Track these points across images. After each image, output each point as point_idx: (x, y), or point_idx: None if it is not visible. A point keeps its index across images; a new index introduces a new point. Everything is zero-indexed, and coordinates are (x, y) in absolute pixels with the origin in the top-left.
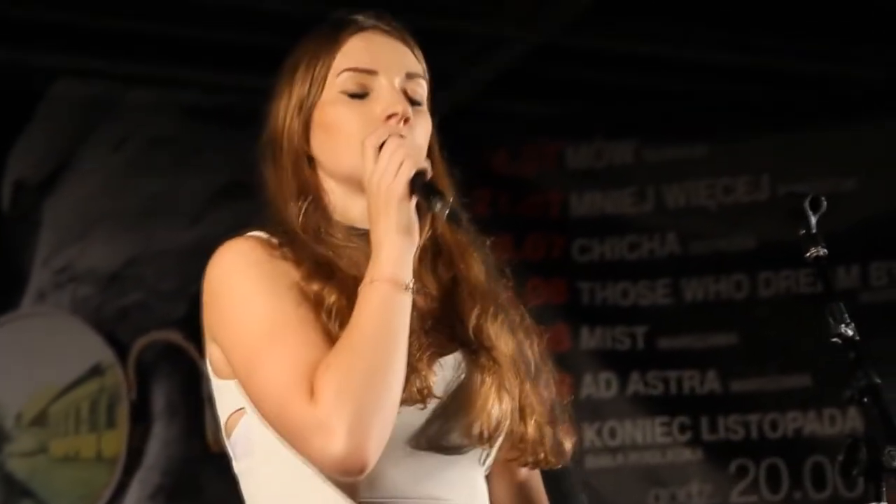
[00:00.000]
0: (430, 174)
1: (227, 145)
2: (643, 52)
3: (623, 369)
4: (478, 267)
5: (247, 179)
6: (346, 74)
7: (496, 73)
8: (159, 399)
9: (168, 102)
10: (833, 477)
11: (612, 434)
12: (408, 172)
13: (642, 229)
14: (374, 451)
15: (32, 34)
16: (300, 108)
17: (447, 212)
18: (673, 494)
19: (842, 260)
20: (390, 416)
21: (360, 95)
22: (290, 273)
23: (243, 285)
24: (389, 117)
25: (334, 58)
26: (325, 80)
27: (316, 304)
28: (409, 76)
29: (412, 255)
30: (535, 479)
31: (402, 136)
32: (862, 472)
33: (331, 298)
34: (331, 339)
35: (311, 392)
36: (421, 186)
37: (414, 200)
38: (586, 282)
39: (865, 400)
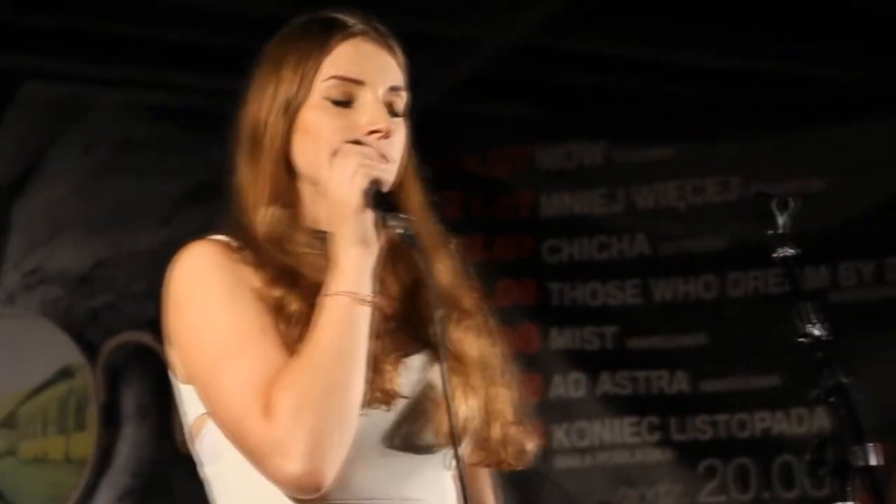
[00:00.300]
0: (385, 185)
1: (196, 147)
2: (613, 54)
3: (592, 369)
4: (444, 268)
5: (216, 181)
6: (332, 81)
7: (467, 74)
8: (129, 401)
9: (137, 105)
10: (801, 476)
11: (582, 434)
12: (361, 183)
13: (612, 230)
14: (330, 470)
15: (0, 37)
16: (286, 108)
17: (403, 233)
18: (642, 494)
19: (811, 260)
20: (348, 432)
21: (343, 104)
22: (251, 279)
23: (203, 293)
24: (372, 132)
25: (323, 61)
26: (311, 83)
27: (276, 311)
28: (393, 89)
29: (370, 266)
30: (484, 476)
31: (358, 143)
32: (829, 471)
33: (292, 306)
34: (291, 349)
35: (268, 410)
36: (374, 199)
37: (369, 211)
38: (556, 282)
39: (832, 399)
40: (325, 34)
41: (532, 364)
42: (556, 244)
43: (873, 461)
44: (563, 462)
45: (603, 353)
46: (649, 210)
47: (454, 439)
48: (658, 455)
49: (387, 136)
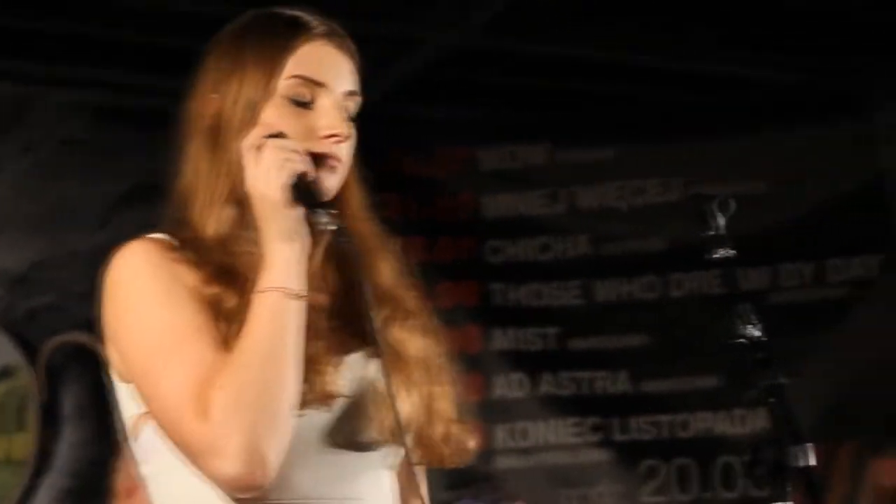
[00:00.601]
0: (311, 177)
1: (139, 147)
2: (556, 55)
3: (534, 370)
4: (386, 269)
5: (158, 181)
6: (294, 81)
7: (409, 75)
8: (68, 401)
9: (79, 104)
10: (742, 477)
11: (524, 435)
12: (285, 178)
13: (554, 231)
14: (270, 469)
15: None
16: (249, 106)
17: (330, 227)
18: (583, 495)
19: (752, 262)
20: (284, 430)
21: (303, 104)
22: (189, 277)
23: (139, 292)
24: (329, 136)
25: (286, 60)
26: (275, 81)
27: (213, 309)
28: (350, 93)
29: (300, 261)
30: (420, 475)
31: (281, 136)
32: (767, 471)
33: (228, 304)
34: (228, 348)
35: (203, 409)
36: (299, 193)
37: (297, 205)
38: (498, 283)
39: (770, 400)
40: (290, 33)
41: (474, 364)
42: (498, 245)
43: (810, 462)
44: (504, 462)
45: (545, 353)
46: (591, 211)
47: (400, 435)
48: (599, 455)
49: (344, 140)
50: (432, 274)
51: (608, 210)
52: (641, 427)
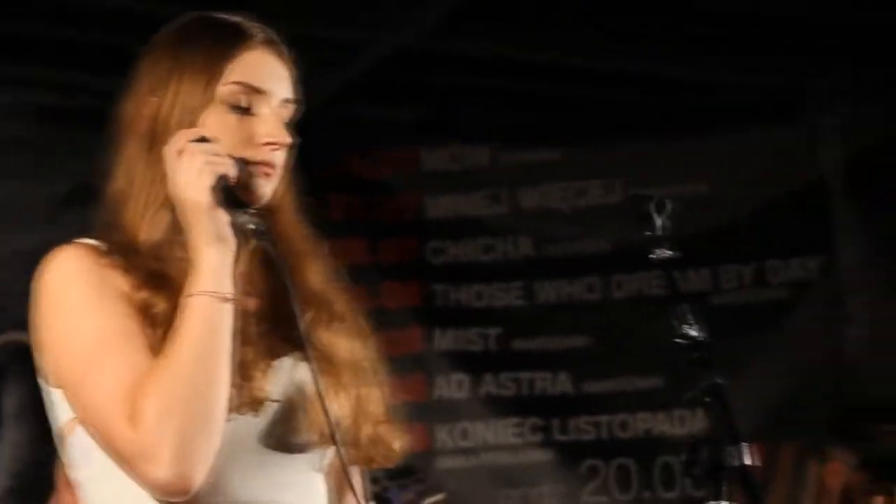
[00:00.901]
0: (233, 180)
1: (81, 147)
2: (499, 57)
3: (476, 370)
4: (314, 272)
5: (100, 182)
6: (235, 87)
7: (353, 77)
8: (10, 401)
9: (21, 104)
10: (682, 477)
11: (465, 435)
12: (209, 181)
13: (497, 232)
14: (199, 474)
15: None
16: (187, 111)
17: (255, 231)
18: (524, 495)
19: (693, 263)
20: (215, 435)
21: (243, 110)
22: (119, 282)
23: (69, 298)
24: (268, 143)
25: (226, 67)
26: (215, 87)
27: (143, 315)
28: (288, 101)
29: (228, 264)
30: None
31: (205, 140)
32: (704, 471)
33: (159, 308)
34: (158, 353)
35: (134, 415)
36: (223, 196)
37: (222, 209)
38: (440, 284)
39: (708, 400)
40: (230, 39)
41: (416, 365)
42: (441, 246)
43: (747, 461)
44: (446, 462)
45: (487, 354)
46: (534, 212)
47: (332, 436)
48: (540, 455)
49: (282, 147)
50: (376, 275)
51: (551, 211)
52: (582, 427)
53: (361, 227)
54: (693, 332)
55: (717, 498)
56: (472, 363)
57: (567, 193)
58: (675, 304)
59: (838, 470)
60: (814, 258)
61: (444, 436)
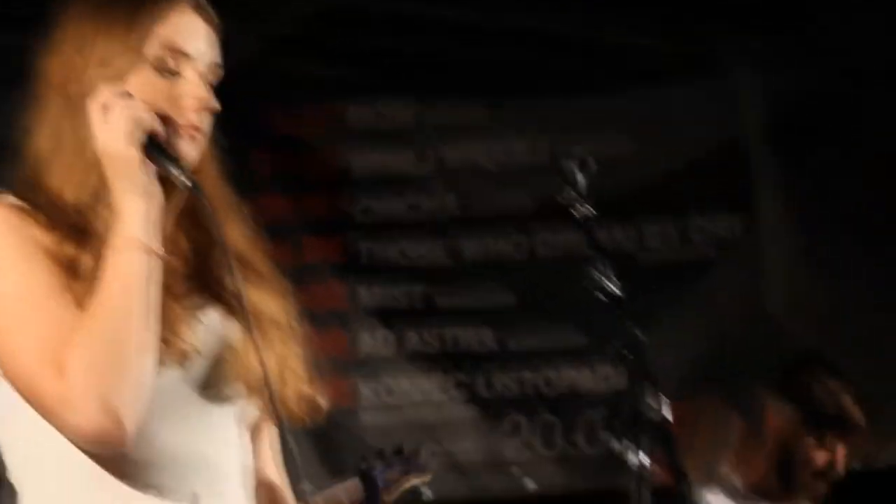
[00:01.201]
0: (161, 135)
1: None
2: (425, 14)
3: (400, 327)
4: (237, 232)
5: (16, 140)
6: (161, 49)
7: (278, 33)
8: None
9: None
10: (605, 432)
11: (389, 391)
12: (138, 135)
13: (421, 189)
14: (130, 423)
15: None
16: (113, 71)
17: (187, 183)
18: (448, 451)
19: (617, 220)
20: (141, 384)
21: (169, 73)
22: (42, 239)
23: None
24: (195, 106)
25: (152, 28)
26: (140, 48)
27: (68, 270)
28: (214, 65)
29: (153, 216)
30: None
31: (129, 95)
32: (623, 425)
33: (84, 264)
34: (83, 307)
35: (60, 368)
36: (151, 149)
37: (148, 163)
38: (365, 241)
39: (628, 355)
40: (157, 0)
41: (340, 321)
42: (366, 203)
43: (664, 415)
44: (370, 418)
45: (411, 311)
46: (459, 170)
47: (265, 388)
48: (465, 412)
49: (208, 110)
50: (299, 231)
51: (475, 169)
52: (506, 384)
53: (285, 183)
54: (614, 289)
55: (637, 451)
56: (396, 319)
57: (492, 151)
58: (596, 261)
59: (778, 423)
60: (736, 215)
61: (368, 392)
